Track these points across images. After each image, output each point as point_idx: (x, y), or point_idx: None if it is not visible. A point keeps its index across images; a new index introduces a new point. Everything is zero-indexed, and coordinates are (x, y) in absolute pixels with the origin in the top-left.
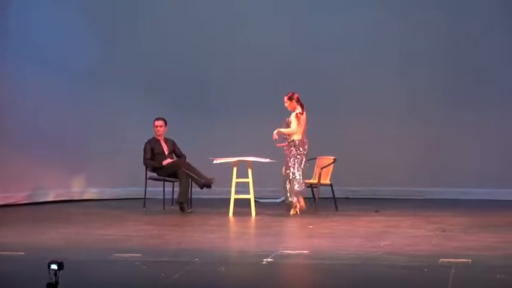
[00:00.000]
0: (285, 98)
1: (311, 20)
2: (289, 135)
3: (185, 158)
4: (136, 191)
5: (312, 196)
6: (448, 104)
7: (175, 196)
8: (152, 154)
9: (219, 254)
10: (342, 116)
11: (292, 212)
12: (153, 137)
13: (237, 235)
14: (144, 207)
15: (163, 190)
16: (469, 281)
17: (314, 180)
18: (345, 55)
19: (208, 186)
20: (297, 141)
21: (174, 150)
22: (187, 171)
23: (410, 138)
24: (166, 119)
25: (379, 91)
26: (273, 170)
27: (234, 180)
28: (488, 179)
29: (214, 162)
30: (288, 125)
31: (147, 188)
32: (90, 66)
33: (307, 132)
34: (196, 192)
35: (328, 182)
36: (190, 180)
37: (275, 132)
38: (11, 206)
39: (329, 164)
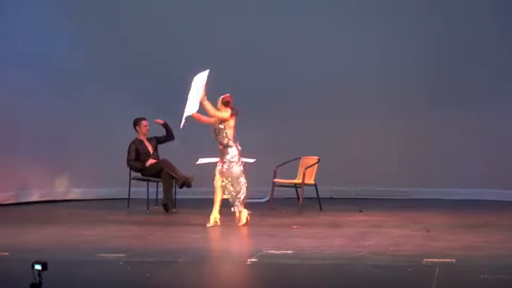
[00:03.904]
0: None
1: (294, 21)
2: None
3: (166, 123)
4: (120, 191)
5: (296, 196)
6: (431, 105)
7: (160, 196)
8: (138, 154)
9: (203, 254)
10: (326, 116)
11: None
12: (137, 138)
13: (221, 235)
14: (128, 207)
15: (147, 190)
16: (453, 281)
17: (298, 180)
18: (328, 55)
19: (188, 185)
20: None
21: (159, 140)
22: (169, 172)
23: (395, 139)
24: (147, 119)
25: (363, 91)
26: (258, 170)
27: None
28: (471, 179)
29: (198, 162)
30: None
31: (131, 188)
32: (75, 66)
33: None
34: (181, 192)
35: (312, 182)
36: (174, 180)
37: None
38: None
39: (313, 164)
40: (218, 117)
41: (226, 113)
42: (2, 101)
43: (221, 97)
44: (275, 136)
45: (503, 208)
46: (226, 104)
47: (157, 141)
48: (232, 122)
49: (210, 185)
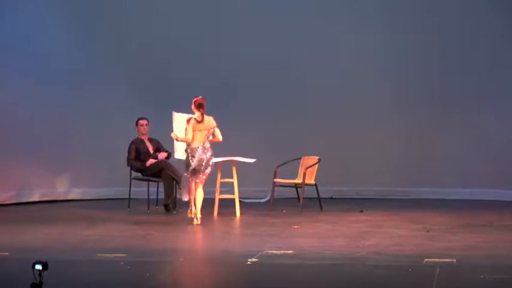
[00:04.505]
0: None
1: (293, 21)
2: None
3: (170, 154)
4: (121, 191)
5: (296, 196)
6: (432, 105)
7: (160, 196)
8: (138, 154)
9: (204, 254)
10: (326, 116)
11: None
12: (137, 137)
13: (222, 235)
14: (128, 207)
15: (148, 190)
16: (453, 281)
17: (299, 180)
18: (328, 55)
19: None
20: None
21: (159, 149)
22: (170, 173)
23: (395, 139)
24: (148, 119)
25: (363, 91)
26: (258, 170)
27: (219, 180)
28: (471, 179)
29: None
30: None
31: (131, 188)
32: (74, 65)
33: None
34: (181, 192)
35: (313, 182)
36: (174, 181)
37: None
38: None
39: (314, 164)
40: (191, 134)
41: (188, 132)
42: (2, 101)
43: (193, 100)
44: (275, 136)
45: (503, 208)
46: (198, 106)
47: (158, 144)
48: (198, 126)
49: (211, 185)
